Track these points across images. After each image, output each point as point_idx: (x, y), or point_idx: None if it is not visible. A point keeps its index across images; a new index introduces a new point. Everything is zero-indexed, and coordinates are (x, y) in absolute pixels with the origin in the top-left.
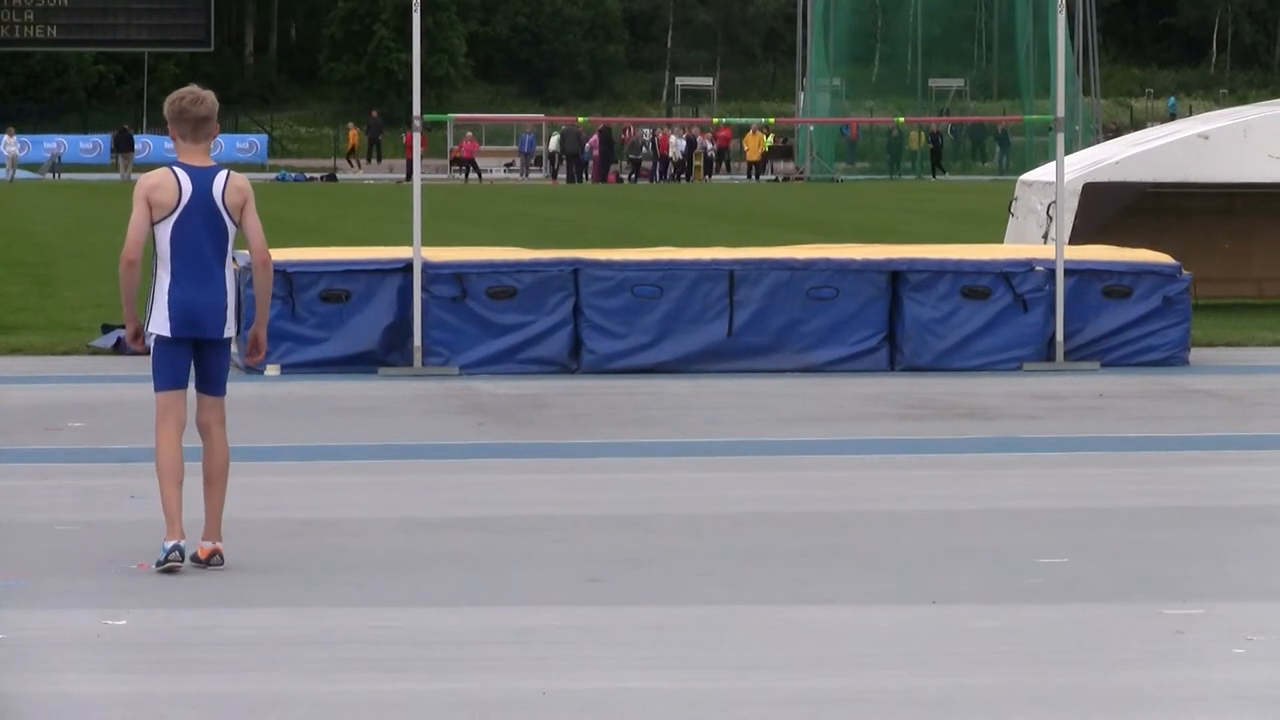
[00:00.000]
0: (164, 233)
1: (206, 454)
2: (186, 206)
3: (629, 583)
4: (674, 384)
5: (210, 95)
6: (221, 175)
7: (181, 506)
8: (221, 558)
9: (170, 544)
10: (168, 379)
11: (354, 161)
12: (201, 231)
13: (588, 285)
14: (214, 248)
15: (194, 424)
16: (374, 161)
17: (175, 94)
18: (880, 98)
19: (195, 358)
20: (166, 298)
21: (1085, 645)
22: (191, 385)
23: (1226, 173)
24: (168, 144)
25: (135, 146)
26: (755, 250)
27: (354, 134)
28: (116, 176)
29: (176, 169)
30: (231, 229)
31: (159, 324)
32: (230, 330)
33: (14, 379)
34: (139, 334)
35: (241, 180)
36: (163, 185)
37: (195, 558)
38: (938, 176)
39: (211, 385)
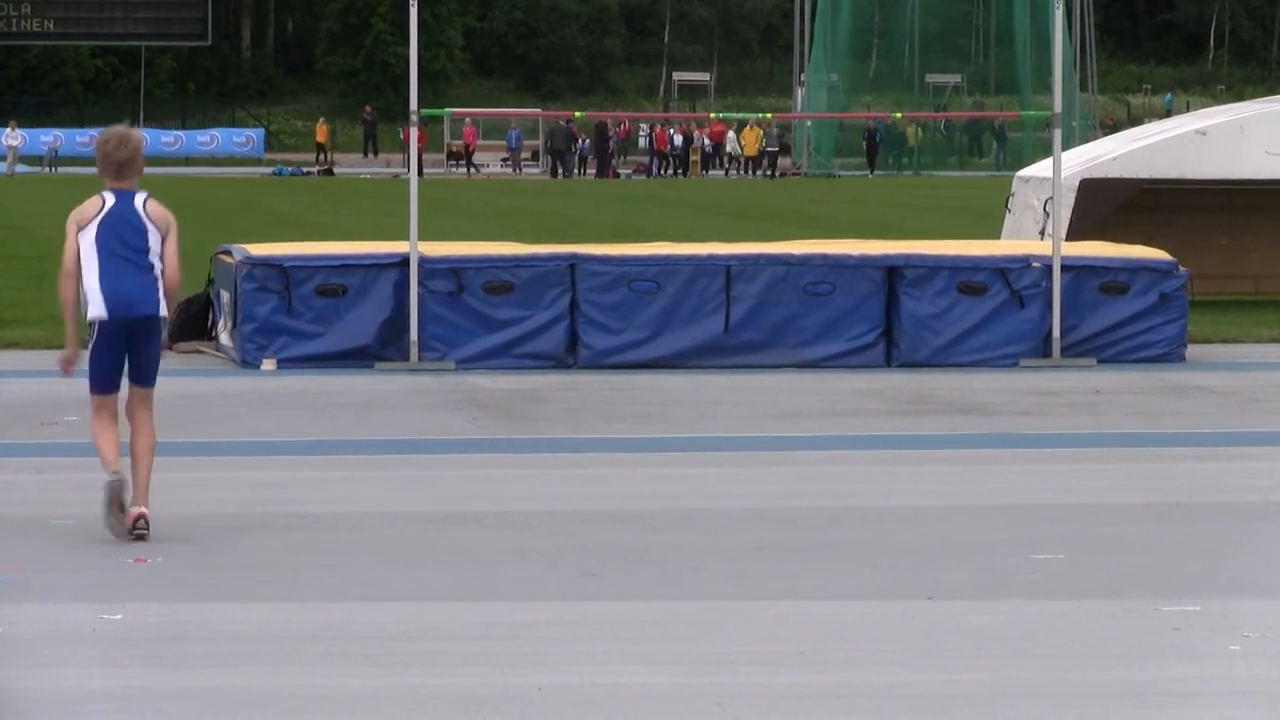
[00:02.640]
0: (88, 238)
1: (133, 436)
2: (109, 212)
3: (625, 578)
4: (670, 379)
5: (135, 137)
6: (143, 194)
7: (117, 454)
8: (146, 522)
9: (111, 476)
10: (101, 383)
11: (321, 158)
12: (123, 232)
13: (584, 280)
14: (136, 248)
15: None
16: (370, 156)
17: (102, 136)
18: (878, 93)
19: (130, 346)
20: (98, 287)
21: (1081, 641)
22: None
23: (1223, 169)
24: (164, 137)
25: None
26: (752, 245)
27: (322, 130)
28: None
29: (104, 193)
30: (154, 235)
31: (96, 308)
32: (163, 310)
33: (10, 373)
34: (73, 360)
35: (164, 208)
36: (87, 206)
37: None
38: (874, 173)
39: (142, 374)
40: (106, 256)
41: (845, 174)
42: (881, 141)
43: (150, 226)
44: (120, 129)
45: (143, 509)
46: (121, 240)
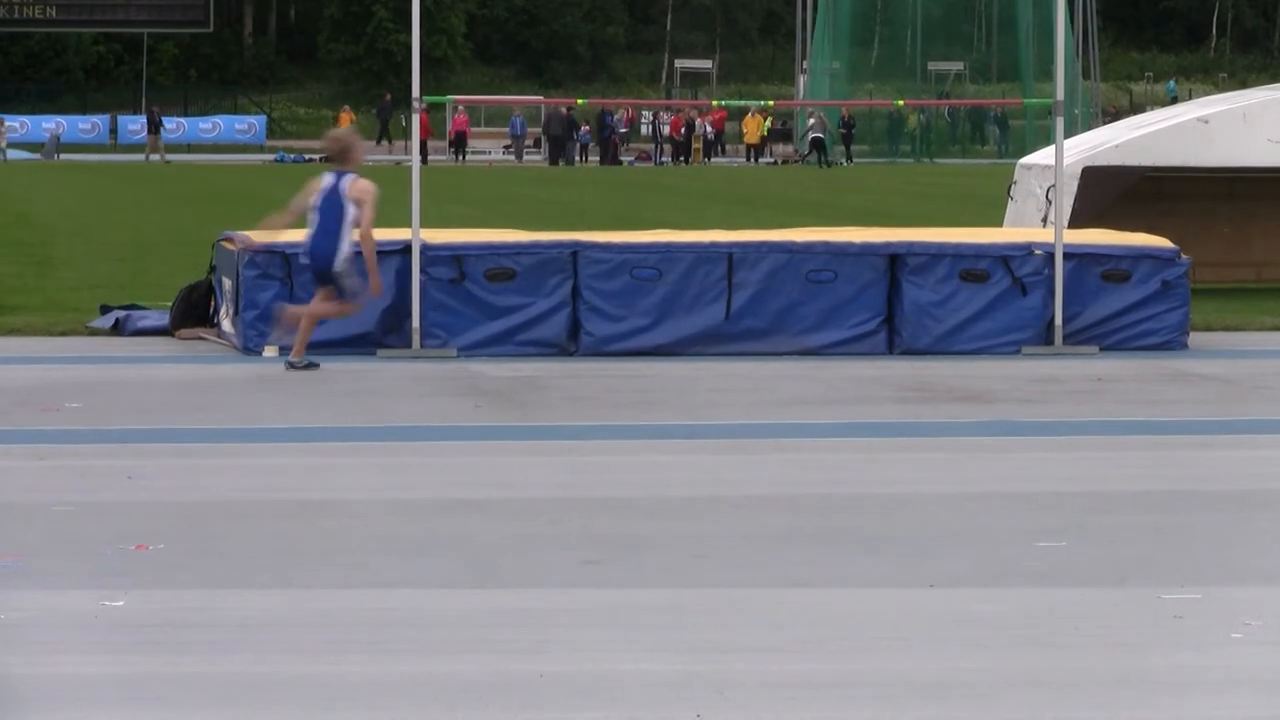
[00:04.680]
0: (314, 202)
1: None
2: (326, 189)
3: (626, 565)
4: (672, 366)
5: (342, 138)
6: (351, 175)
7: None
8: None
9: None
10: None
11: None
12: (330, 203)
13: (586, 267)
14: (336, 215)
15: None
16: (384, 144)
17: (326, 135)
18: (879, 80)
19: (316, 279)
20: (308, 241)
21: (1083, 629)
22: None
23: (1226, 157)
24: (167, 124)
25: (141, 129)
26: (754, 233)
27: (345, 119)
28: (119, 157)
29: (325, 174)
30: (350, 206)
31: (303, 255)
32: (338, 264)
33: (11, 359)
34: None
35: (365, 183)
36: (316, 182)
37: None
38: (851, 162)
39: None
40: (318, 220)
41: (840, 161)
42: (855, 130)
43: (348, 202)
44: (336, 131)
45: None
46: (329, 209)
